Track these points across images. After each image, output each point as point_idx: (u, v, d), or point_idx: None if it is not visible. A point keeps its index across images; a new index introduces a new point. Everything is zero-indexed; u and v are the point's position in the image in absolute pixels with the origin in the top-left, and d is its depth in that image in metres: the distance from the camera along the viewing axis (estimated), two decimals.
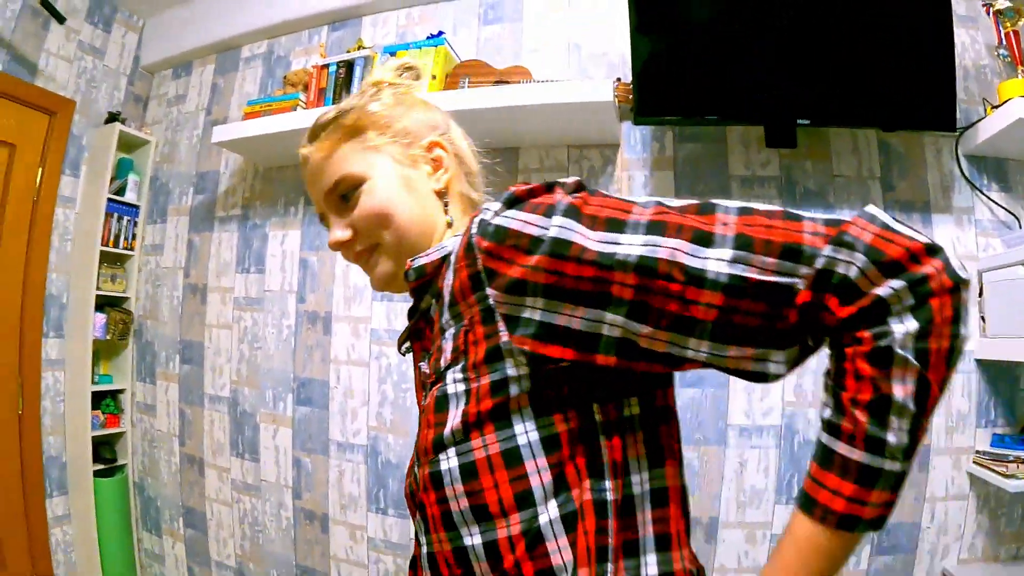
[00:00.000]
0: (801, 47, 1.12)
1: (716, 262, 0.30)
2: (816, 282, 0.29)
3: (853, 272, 0.28)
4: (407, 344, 0.46)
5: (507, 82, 1.38)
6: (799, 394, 1.17)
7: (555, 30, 1.41)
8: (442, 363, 0.38)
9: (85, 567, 1.81)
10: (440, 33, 1.40)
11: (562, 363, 0.34)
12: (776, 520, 1.18)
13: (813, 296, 0.29)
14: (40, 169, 1.79)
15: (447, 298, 0.38)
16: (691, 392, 1.24)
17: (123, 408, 1.90)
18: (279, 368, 1.58)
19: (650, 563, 0.36)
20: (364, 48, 1.49)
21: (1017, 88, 1.10)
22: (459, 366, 0.36)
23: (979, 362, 1.16)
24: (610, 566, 0.34)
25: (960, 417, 1.15)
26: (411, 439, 1.14)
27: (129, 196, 1.95)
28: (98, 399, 1.85)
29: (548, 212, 0.34)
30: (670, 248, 0.31)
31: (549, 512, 0.34)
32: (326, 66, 1.51)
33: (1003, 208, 1.19)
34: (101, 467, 1.81)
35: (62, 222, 1.87)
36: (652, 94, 1.19)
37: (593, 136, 1.32)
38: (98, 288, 1.81)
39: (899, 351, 0.28)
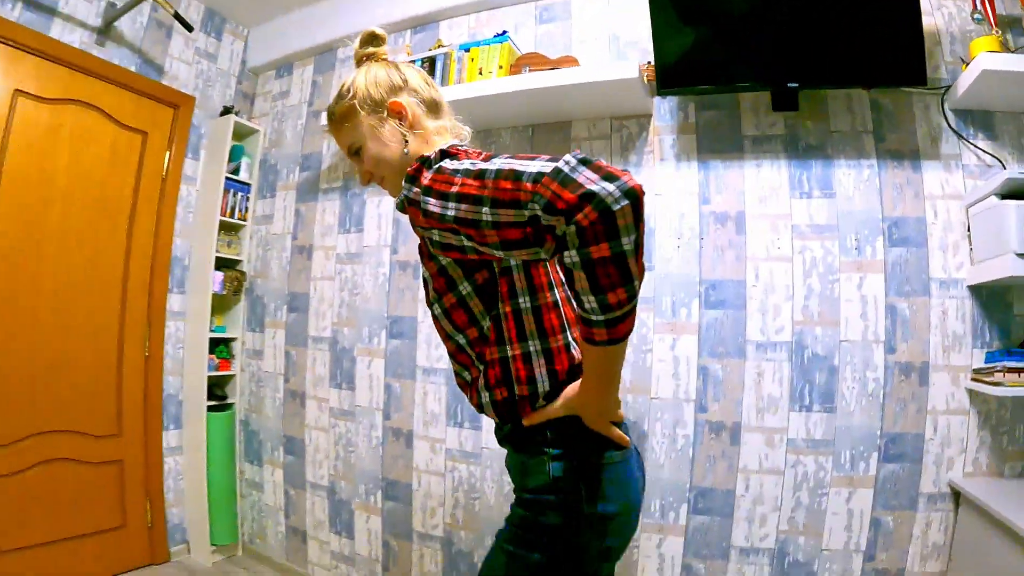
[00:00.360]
0: (793, 23, 1.49)
1: (485, 212, 0.65)
2: (530, 219, 0.63)
3: (541, 216, 0.61)
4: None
5: (559, 68, 1.89)
6: (806, 315, 1.55)
7: (597, 24, 1.89)
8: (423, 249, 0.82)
9: (192, 493, 2.38)
10: (504, 32, 1.90)
11: (457, 255, 0.77)
12: (791, 425, 1.54)
13: (533, 226, 0.63)
14: (167, 153, 2.43)
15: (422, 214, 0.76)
16: (714, 313, 1.65)
17: (234, 354, 2.53)
18: (375, 309, 2.16)
19: (533, 343, 0.78)
20: (443, 47, 2.04)
21: (984, 44, 1.41)
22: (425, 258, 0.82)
23: (971, 288, 1.43)
24: (509, 346, 0.78)
25: (956, 338, 1.45)
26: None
27: (242, 175, 2.59)
28: (213, 346, 2.44)
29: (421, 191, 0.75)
30: (464, 208, 0.67)
31: (483, 324, 0.80)
32: (412, 62, 2.08)
33: (988, 154, 1.52)
34: (213, 403, 2.41)
35: (185, 196, 2.52)
36: (670, 71, 1.63)
37: (629, 109, 1.77)
38: (216, 252, 2.44)
39: (568, 248, 0.61)
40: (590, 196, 0.58)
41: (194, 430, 2.37)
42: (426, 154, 0.83)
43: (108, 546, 2.15)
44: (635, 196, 0.60)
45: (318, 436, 2.21)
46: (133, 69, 2.32)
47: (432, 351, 1.96)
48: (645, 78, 1.68)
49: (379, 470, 2.06)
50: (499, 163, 0.68)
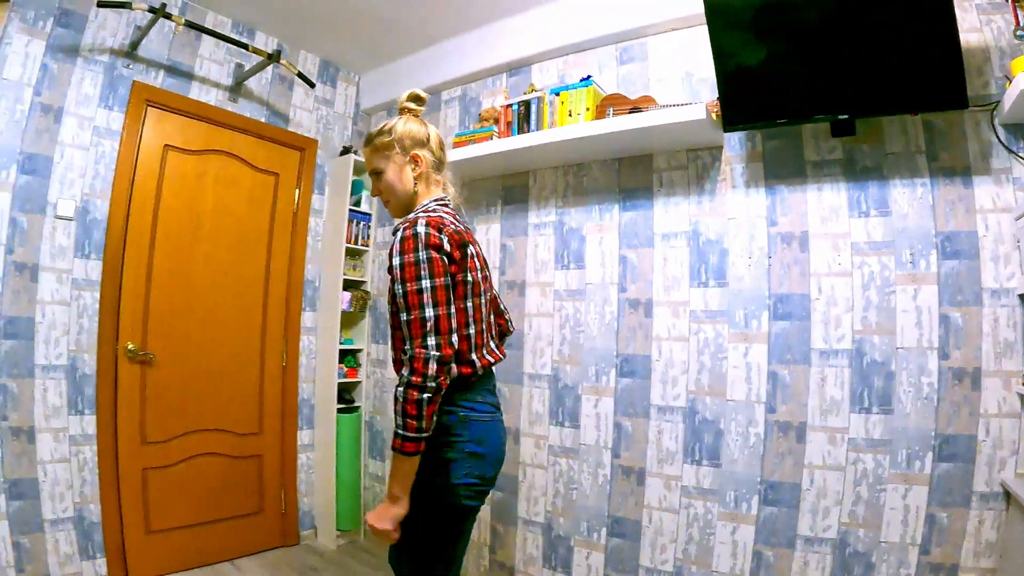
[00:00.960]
0: (838, 60, 1.87)
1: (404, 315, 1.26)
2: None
3: (404, 371, 1.23)
4: None
5: (639, 108, 2.46)
6: (865, 324, 1.95)
7: (671, 64, 2.40)
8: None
9: (321, 484, 3.20)
10: (588, 77, 2.48)
11: None
12: (851, 425, 1.94)
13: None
14: (297, 190, 3.29)
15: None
16: (782, 324, 2.10)
17: (360, 363, 3.38)
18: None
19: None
20: (536, 91, 2.68)
21: (1022, 63, 1.67)
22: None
23: (1021, 297, 1.71)
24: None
25: (1007, 345, 1.72)
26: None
27: (363, 207, 3.39)
28: (341, 356, 3.25)
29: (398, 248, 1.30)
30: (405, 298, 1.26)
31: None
32: (510, 105, 2.72)
33: None
34: (341, 406, 3.24)
35: (314, 227, 3.37)
36: (734, 110, 2.07)
37: (702, 141, 2.26)
38: (344, 274, 3.27)
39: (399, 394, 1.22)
40: (414, 375, 1.24)
41: (325, 430, 3.22)
42: (424, 202, 1.46)
43: (247, 529, 3.00)
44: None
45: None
46: (263, 120, 3.20)
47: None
48: (713, 115, 2.24)
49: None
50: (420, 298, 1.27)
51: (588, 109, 2.44)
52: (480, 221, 2.96)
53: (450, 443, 1.36)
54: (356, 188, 3.44)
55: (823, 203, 2.10)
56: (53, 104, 2.42)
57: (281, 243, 3.26)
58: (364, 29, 3.10)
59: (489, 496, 2.62)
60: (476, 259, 1.44)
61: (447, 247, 1.32)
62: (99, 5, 2.40)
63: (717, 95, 2.16)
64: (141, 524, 2.59)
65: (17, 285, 2.29)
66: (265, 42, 3.21)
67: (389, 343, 1.57)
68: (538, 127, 2.56)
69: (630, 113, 2.33)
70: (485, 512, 2.77)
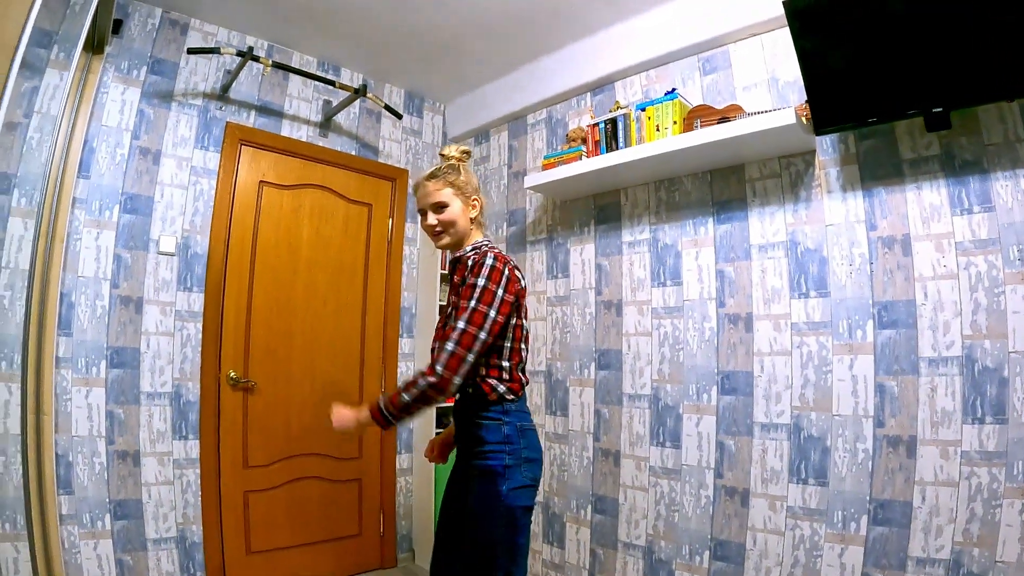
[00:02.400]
0: (928, 51, 2.07)
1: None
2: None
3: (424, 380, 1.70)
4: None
5: (727, 118, 2.78)
6: (975, 329, 2.13)
7: (755, 70, 2.71)
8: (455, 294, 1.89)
9: (420, 508, 3.70)
10: (673, 90, 2.84)
11: None
12: (964, 437, 2.12)
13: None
14: (390, 220, 3.86)
15: (462, 273, 1.85)
16: (888, 332, 2.31)
17: None
18: (584, 345, 3.37)
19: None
20: (621, 108, 3.06)
21: None
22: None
23: None
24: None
25: None
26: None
27: None
28: None
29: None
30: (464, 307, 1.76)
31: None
32: (596, 124, 3.11)
33: None
34: (439, 431, 3.68)
35: (408, 255, 3.92)
36: (823, 112, 2.34)
37: (794, 147, 2.54)
38: (439, 300, 3.77)
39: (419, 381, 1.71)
40: (436, 375, 1.73)
41: (422, 455, 3.76)
42: (478, 239, 1.99)
43: (345, 551, 3.54)
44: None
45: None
46: (353, 152, 3.82)
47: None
48: (803, 119, 2.52)
49: (590, 487, 3.15)
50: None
51: (675, 122, 2.79)
52: (574, 242, 3.39)
53: (512, 451, 1.86)
54: None
55: (923, 202, 2.33)
56: (151, 147, 3.11)
57: (377, 271, 3.87)
58: (446, 59, 3.66)
59: (588, 519, 2.99)
60: (523, 297, 1.96)
61: (513, 292, 1.86)
62: (189, 52, 3.10)
63: (805, 98, 2.45)
64: (241, 545, 3.19)
65: (123, 317, 2.95)
66: (351, 77, 3.86)
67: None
68: (626, 144, 2.94)
69: (718, 123, 2.65)
70: (584, 535, 3.16)
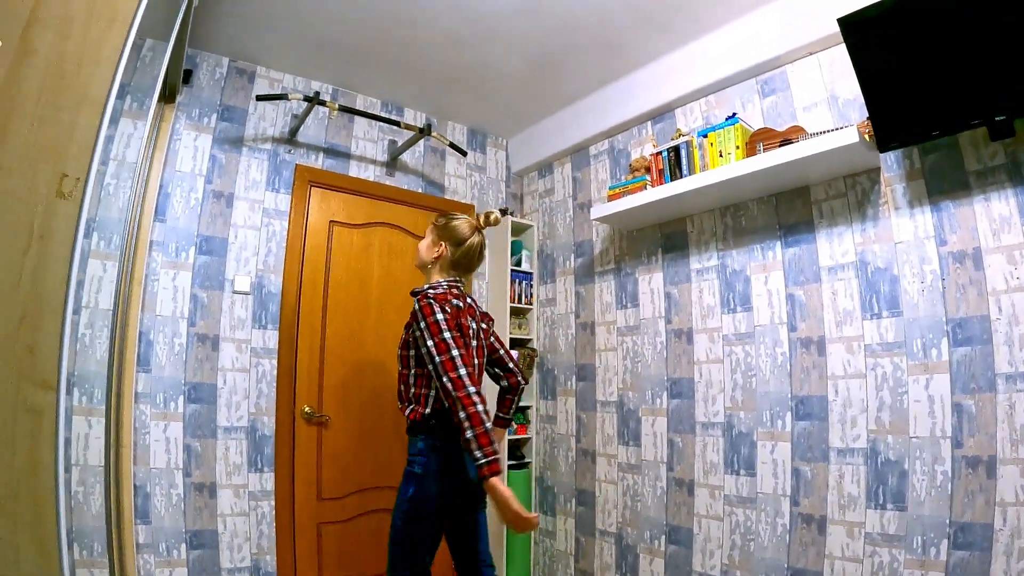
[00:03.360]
0: (985, 59, 2.23)
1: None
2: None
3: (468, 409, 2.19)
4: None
5: (789, 140, 3.02)
6: None
7: (815, 89, 2.95)
8: (407, 341, 2.52)
9: (491, 538, 3.82)
10: (734, 115, 3.11)
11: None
12: None
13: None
14: None
15: (410, 320, 2.47)
16: (963, 350, 2.44)
17: (529, 420, 4.19)
18: (655, 373, 3.64)
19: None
20: (683, 135, 3.35)
21: None
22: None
23: None
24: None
25: None
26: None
27: (524, 266, 4.26)
28: None
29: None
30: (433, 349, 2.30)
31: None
32: (659, 152, 3.41)
33: None
34: (512, 463, 4.05)
35: (477, 289, 4.25)
36: (886, 128, 2.55)
37: (859, 165, 2.75)
38: (510, 333, 4.13)
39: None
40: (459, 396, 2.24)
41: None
42: (435, 281, 2.58)
43: None
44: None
45: (607, 488, 3.69)
46: (420, 190, 4.23)
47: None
48: (866, 137, 2.75)
49: (663, 517, 3.37)
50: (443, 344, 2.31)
51: (738, 147, 3.05)
52: (641, 271, 3.68)
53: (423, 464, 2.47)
54: (515, 248, 4.34)
55: (992, 214, 2.51)
56: (224, 190, 3.57)
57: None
58: (507, 96, 4.06)
59: (663, 549, 3.24)
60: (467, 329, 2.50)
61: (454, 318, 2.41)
62: (258, 99, 3.56)
63: (866, 115, 2.68)
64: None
65: (200, 354, 3.36)
66: (414, 117, 4.31)
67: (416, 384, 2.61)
68: (690, 171, 3.22)
69: (781, 146, 2.91)
70: (659, 566, 3.39)
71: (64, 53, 1.41)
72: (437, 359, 2.27)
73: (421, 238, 4.12)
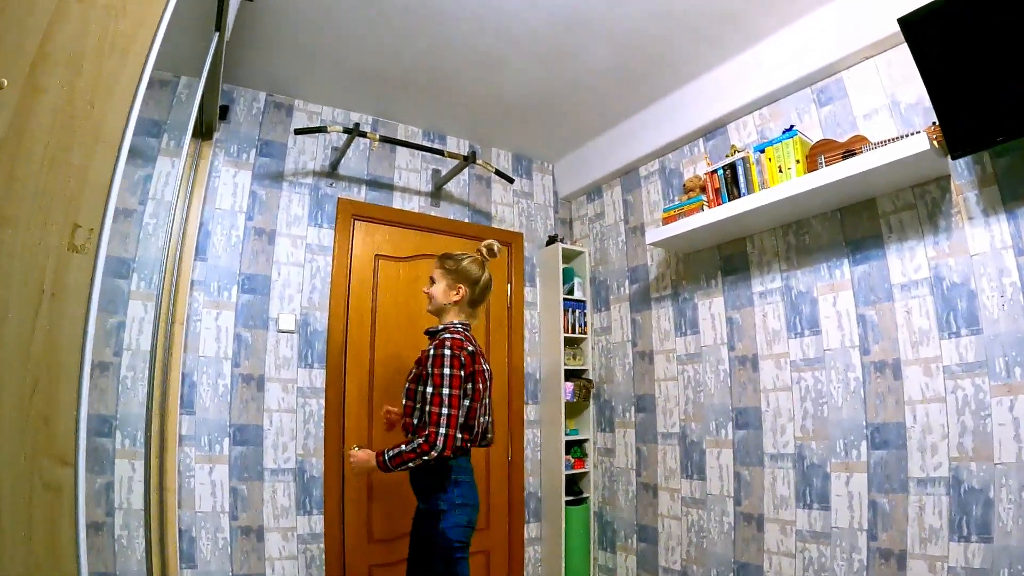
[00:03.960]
0: None
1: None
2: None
3: (424, 454, 2.51)
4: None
5: (852, 151, 3.02)
6: None
7: (874, 95, 2.96)
8: (418, 377, 2.73)
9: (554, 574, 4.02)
10: (792, 127, 3.12)
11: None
12: None
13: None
14: (508, 284, 4.30)
15: (424, 359, 2.68)
16: None
17: (587, 453, 4.24)
18: (719, 404, 3.66)
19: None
20: (738, 151, 3.40)
21: None
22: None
23: None
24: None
25: None
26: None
27: (577, 294, 4.32)
28: (568, 447, 4.12)
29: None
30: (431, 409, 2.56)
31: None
32: (714, 171, 3.44)
33: None
34: (570, 498, 4.07)
35: (529, 320, 4.32)
36: (956, 131, 2.53)
37: (927, 173, 2.73)
38: (564, 364, 4.18)
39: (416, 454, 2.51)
40: (433, 449, 2.53)
41: (552, 523, 4.11)
42: (451, 322, 2.77)
43: None
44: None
45: (671, 524, 3.70)
46: (466, 220, 4.34)
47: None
48: (935, 142, 2.76)
49: (731, 553, 3.36)
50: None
51: (798, 161, 3.07)
52: (701, 296, 3.71)
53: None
54: (567, 276, 4.42)
55: None
56: (266, 227, 3.72)
57: (499, 338, 4.35)
58: (550, 119, 4.18)
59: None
60: (482, 376, 2.71)
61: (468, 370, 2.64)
62: (296, 132, 3.71)
63: (933, 119, 2.68)
64: None
65: (245, 395, 3.49)
66: (457, 145, 4.45)
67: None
68: (748, 189, 3.25)
69: (844, 158, 2.92)
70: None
71: (75, 90, 1.36)
72: (444, 411, 2.57)
73: None
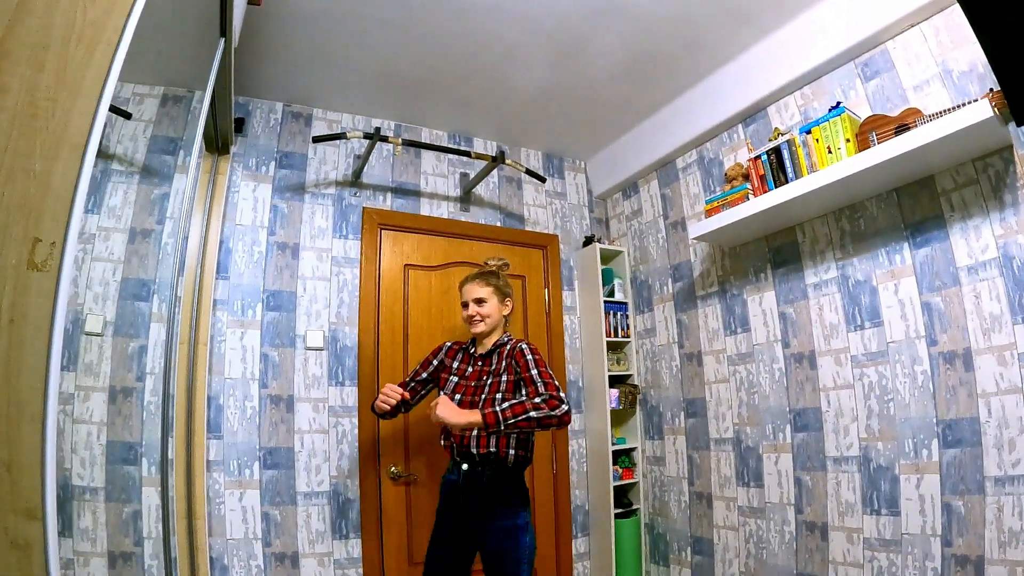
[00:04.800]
0: None
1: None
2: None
3: (554, 409, 2.64)
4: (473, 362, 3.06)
5: (906, 125, 2.88)
6: None
7: (923, 65, 2.81)
8: (503, 370, 2.89)
9: None
10: (838, 104, 2.99)
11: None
12: None
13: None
14: (545, 289, 4.21)
15: (504, 358, 2.91)
16: None
17: (635, 463, 4.14)
18: (775, 405, 3.53)
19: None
20: (782, 134, 3.26)
21: None
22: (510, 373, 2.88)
23: None
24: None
25: None
26: None
27: (617, 296, 4.21)
28: (615, 457, 4.01)
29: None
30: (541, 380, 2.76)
31: None
32: (758, 157, 3.31)
33: None
34: (619, 510, 3.96)
35: (568, 325, 4.23)
36: (1021, 101, 2.53)
37: (988, 145, 2.57)
38: (608, 370, 4.07)
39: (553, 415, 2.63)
40: (565, 409, 2.70)
41: (601, 536, 4.01)
42: (506, 335, 3.05)
43: None
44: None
45: (727, 535, 3.57)
46: (498, 224, 4.28)
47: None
48: (996, 109, 2.62)
49: (793, 565, 3.20)
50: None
51: (848, 140, 2.93)
52: (750, 291, 3.58)
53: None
54: (607, 278, 4.33)
55: None
56: (289, 241, 3.70)
57: (537, 346, 4.21)
58: (580, 113, 4.10)
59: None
60: None
61: None
62: (314, 140, 3.70)
63: (990, 86, 2.53)
64: None
65: (274, 417, 3.47)
66: (484, 146, 4.40)
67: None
68: (796, 174, 3.12)
69: (897, 134, 2.78)
70: None
71: (36, 88, 1.25)
72: (555, 382, 2.77)
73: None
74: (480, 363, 3.02)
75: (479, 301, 2.97)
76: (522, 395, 2.76)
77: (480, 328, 2.98)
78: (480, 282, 3.00)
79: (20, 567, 1.10)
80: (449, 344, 3.23)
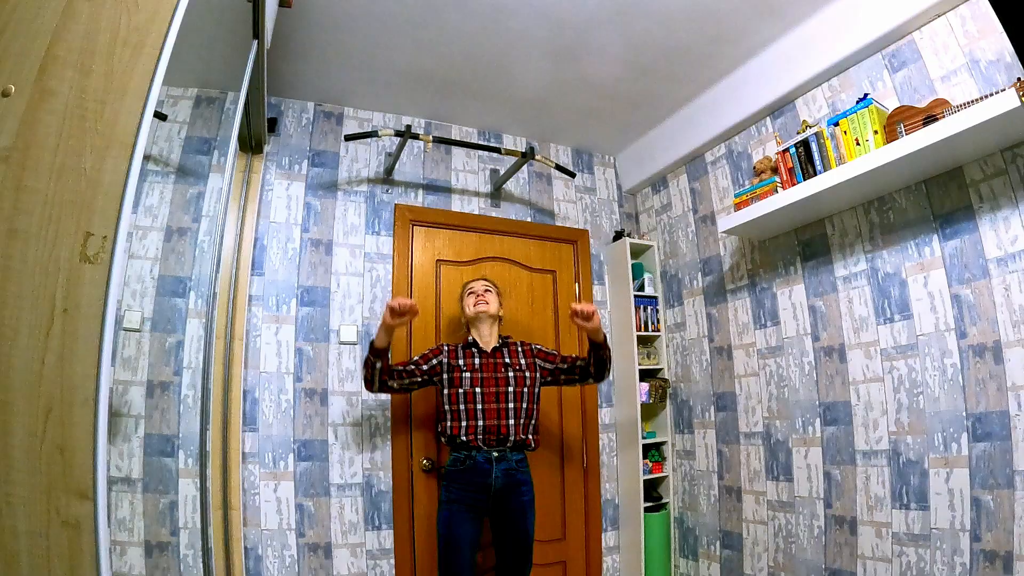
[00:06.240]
0: None
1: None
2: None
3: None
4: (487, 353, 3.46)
5: (934, 116, 2.91)
6: None
7: (950, 55, 2.84)
8: (524, 366, 3.42)
9: None
10: (866, 96, 3.02)
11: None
12: None
13: None
14: (576, 284, 4.30)
15: (520, 356, 3.48)
16: None
17: (665, 456, 4.22)
18: (805, 399, 3.58)
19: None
20: (810, 127, 3.33)
21: None
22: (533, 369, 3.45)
23: None
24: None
25: None
26: None
27: (647, 290, 4.28)
28: (645, 451, 4.09)
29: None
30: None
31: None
32: (786, 149, 3.35)
33: None
34: (648, 504, 4.04)
35: (602, 320, 4.49)
36: None
37: (1016, 134, 2.55)
38: (638, 364, 4.13)
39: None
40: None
41: (631, 531, 4.10)
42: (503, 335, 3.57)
43: None
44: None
45: (756, 529, 3.64)
46: (528, 219, 4.37)
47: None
48: (1022, 99, 2.65)
49: (821, 560, 3.26)
50: None
51: (876, 132, 2.97)
52: (779, 284, 3.64)
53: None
54: (637, 272, 4.40)
55: None
56: (322, 238, 3.84)
57: (569, 340, 4.36)
58: (609, 109, 4.18)
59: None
60: None
61: None
62: (346, 139, 3.83)
63: (1018, 75, 2.57)
64: None
65: (309, 410, 3.60)
66: (514, 143, 4.50)
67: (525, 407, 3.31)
68: (825, 166, 3.16)
69: (925, 124, 2.83)
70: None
71: (85, 91, 1.33)
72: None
73: (535, 269, 4.39)
74: (491, 357, 3.39)
75: (486, 291, 3.44)
76: (572, 362, 3.48)
77: (484, 308, 3.42)
78: (485, 283, 3.50)
79: (71, 545, 1.16)
80: (447, 347, 3.42)
